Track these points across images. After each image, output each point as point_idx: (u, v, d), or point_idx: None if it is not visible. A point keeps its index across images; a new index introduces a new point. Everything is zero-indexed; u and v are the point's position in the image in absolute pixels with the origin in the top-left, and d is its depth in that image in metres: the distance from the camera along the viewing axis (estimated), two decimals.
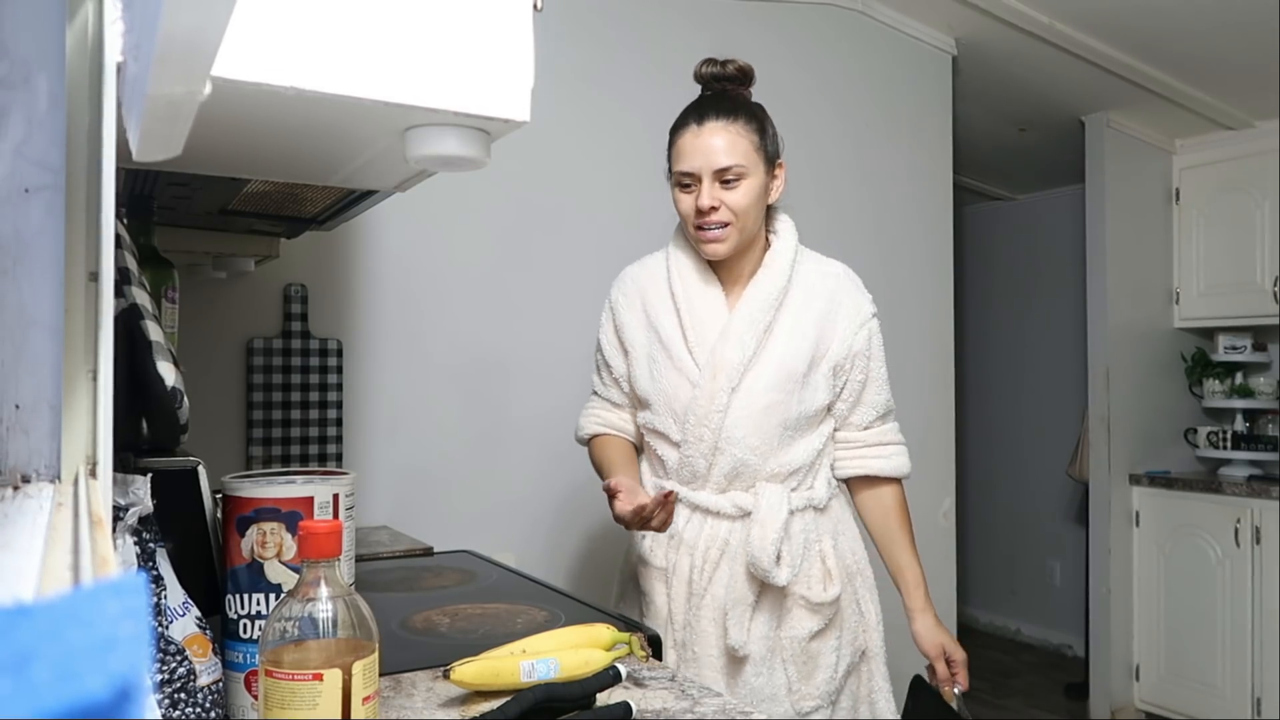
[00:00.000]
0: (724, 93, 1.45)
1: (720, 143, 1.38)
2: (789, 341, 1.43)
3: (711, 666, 1.43)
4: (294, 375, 2.06)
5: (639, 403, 1.53)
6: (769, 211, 1.49)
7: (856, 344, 1.47)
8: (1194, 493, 3.59)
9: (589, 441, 1.60)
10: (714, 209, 1.39)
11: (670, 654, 1.45)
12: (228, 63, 0.66)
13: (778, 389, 1.42)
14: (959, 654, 1.50)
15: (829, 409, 1.50)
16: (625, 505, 1.32)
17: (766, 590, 1.43)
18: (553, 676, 0.99)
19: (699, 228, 1.41)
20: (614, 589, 1.66)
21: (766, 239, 1.49)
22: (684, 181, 1.42)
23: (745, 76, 1.46)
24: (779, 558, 1.39)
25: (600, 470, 1.54)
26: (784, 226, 1.50)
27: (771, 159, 1.45)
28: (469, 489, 2.26)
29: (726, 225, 1.40)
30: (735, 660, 1.43)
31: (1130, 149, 3.77)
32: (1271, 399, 3.79)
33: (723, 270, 1.48)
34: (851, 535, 1.52)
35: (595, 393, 1.62)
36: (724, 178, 1.39)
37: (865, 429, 1.52)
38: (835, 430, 1.52)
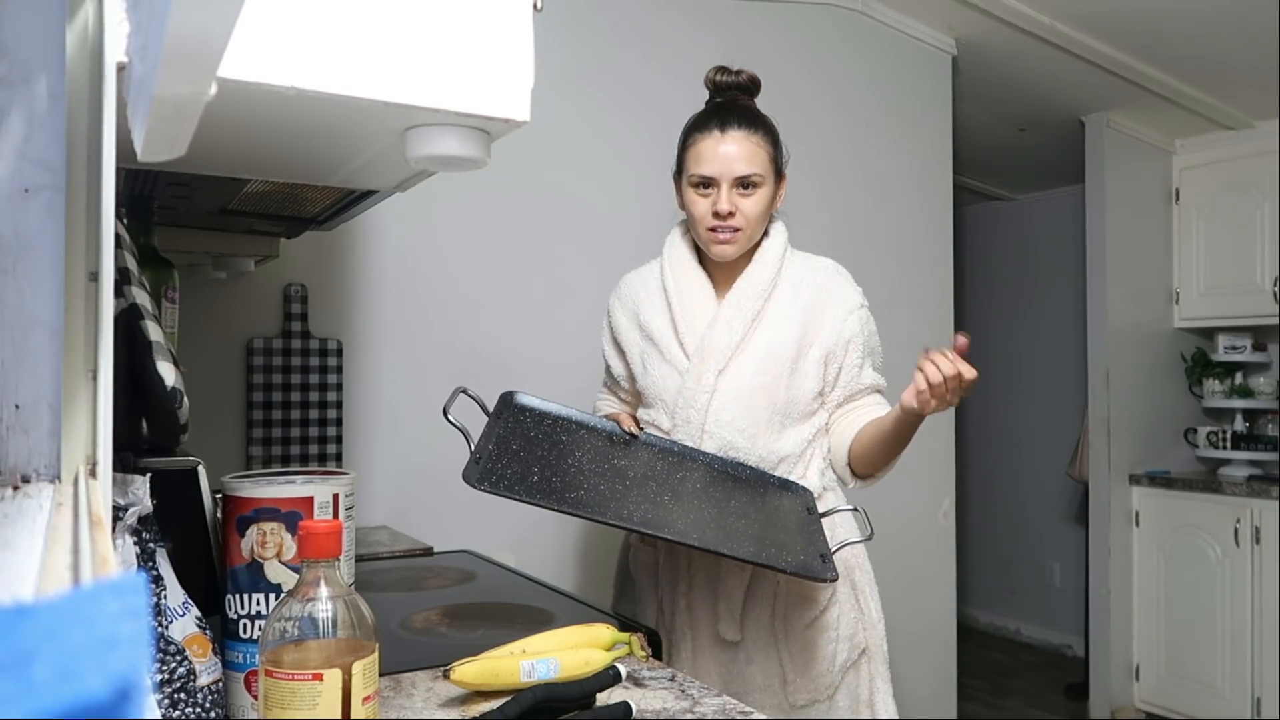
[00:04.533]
0: (736, 101, 1.51)
1: (742, 152, 1.45)
2: (776, 329, 1.47)
3: (704, 653, 1.44)
4: (294, 375, 2.06)
5: (640, 400, 1.57)
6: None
7: (846, 330, 1.49)
8: (1194, 493, 3.59)
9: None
10: (731, 214, 1.44)
11: (663, 642, 1.45)
12: (229, 63, 0.65)
13: (765, 373, 1.45)
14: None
15: (821, 399, 1.51)
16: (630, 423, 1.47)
17: (760, 575, 1.43)
18: (553, 676, 1.00)
19: (713, 230, 1.46)
20: (612, 589, 1.67)
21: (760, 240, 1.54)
22: (702, 185, 1.47)
23: (755, 86, 1.54)
24: None
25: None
26: (775, 228, 1.55)
27: (780, 172, 1.52)
28: (469, 489, 2.25)
29: (738, 230, 1.46)
30: (728, 647, 1.43)
31: (1130, 149, 3.77)
32: (1271, 399, 3.79)
33: (717, 269, 1.53)
34: (848, 529, 1.51)
35: (605, 386, 1.69)
36: (742, 185, 1.45)
37: (859, 404, 1.54)
38: (831, 414, 1.53)
